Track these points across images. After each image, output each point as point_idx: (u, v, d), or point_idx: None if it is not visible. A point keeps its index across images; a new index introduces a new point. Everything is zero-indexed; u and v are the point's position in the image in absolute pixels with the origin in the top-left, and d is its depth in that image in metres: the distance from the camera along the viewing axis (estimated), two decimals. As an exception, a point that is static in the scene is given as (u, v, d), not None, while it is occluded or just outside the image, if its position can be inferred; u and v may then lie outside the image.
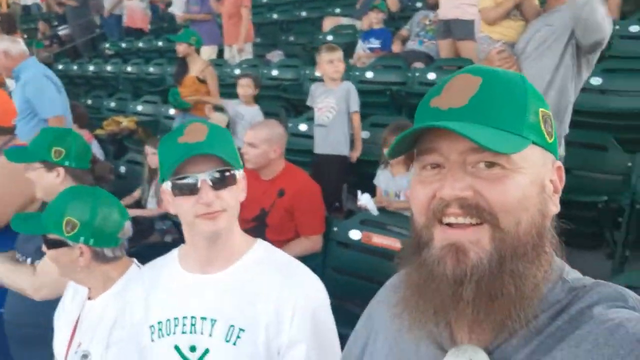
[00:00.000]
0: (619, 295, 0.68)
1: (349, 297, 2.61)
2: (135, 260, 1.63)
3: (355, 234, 2.81)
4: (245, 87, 4.33)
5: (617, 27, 4.48)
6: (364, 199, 2.90)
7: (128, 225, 1.59)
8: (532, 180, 0.69)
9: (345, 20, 6.72)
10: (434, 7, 5.03)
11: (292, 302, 1.18)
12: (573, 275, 0.74)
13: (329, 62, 3.70)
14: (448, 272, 0.67)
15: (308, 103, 3.94)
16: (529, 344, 0.68)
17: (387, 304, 0.85)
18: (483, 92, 0.70)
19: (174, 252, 1.35)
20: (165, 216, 3.58)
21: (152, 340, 1.25)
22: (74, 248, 1.50)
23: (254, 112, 4.33)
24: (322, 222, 2.85)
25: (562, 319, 0.68)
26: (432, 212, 0.70)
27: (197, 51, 4.91)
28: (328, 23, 6.77)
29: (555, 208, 0.73)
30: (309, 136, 4.28)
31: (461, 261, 0.67)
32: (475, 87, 0.70)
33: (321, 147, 3.80)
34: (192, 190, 1.15)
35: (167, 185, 1.18)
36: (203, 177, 1.15)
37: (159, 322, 1.25)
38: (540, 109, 0.72)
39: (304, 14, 7.92)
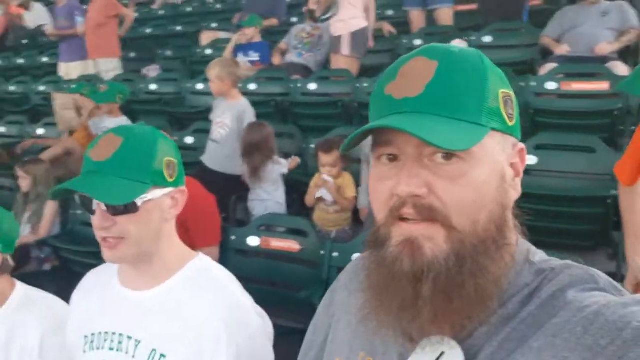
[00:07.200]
0: (589, 277, 0.66)
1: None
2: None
3: (253, 241, 2.82)
4: None
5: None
6: (322, 192, 3.12)
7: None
8: (491, 171, 0.66)
9: (222, 35, 6.68)
10: (314, 21, 5.24)
11: (218, 329, 1.06)
12: (539, 256, 0.71)
13: (211, 82, 3.75)
14: (406, 269, 0.64)
15: (211, 117, 3.92)
16: (501, 331, 0.65)
17: (348, 288, 0.85)
18: (439, 78, 0.65)
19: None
20: (44, 243, 3.32)
21: (84, 352, 1.17)
22: None
23: (120, 123, 4.19)
24: (218, 233, 2.82)
25: (534, 304, 0.65)
26: (390, 210, 0.67)
27: None
28: (205, 37, 6.69)
29: (516, 193, 0.70)
30: (194, 149, 4.28)
31: (417, 257, 0.64)
32: (431, 72, 0.66)
33: (210, 161, 3.77)
34: (90, 211, 1.08)
35: None
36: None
37: (92, 334, 1.17)
38: (501, 91, 0.68)
39: (179, 28, 7.77)
